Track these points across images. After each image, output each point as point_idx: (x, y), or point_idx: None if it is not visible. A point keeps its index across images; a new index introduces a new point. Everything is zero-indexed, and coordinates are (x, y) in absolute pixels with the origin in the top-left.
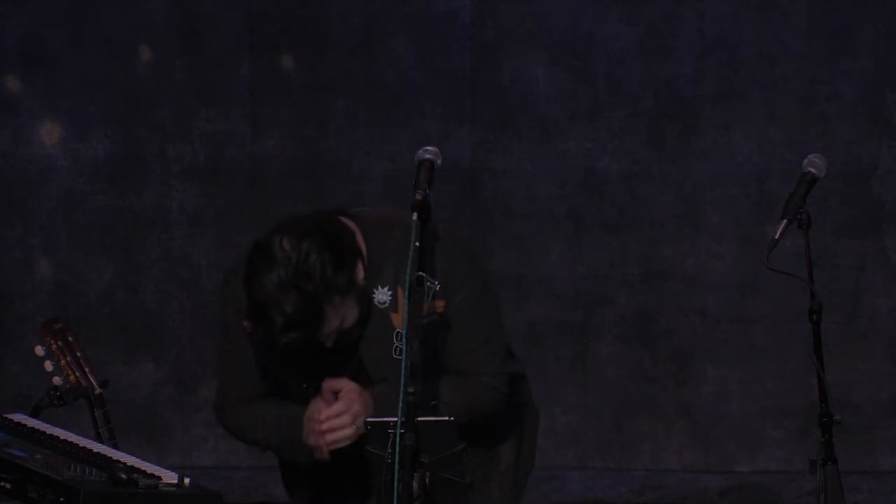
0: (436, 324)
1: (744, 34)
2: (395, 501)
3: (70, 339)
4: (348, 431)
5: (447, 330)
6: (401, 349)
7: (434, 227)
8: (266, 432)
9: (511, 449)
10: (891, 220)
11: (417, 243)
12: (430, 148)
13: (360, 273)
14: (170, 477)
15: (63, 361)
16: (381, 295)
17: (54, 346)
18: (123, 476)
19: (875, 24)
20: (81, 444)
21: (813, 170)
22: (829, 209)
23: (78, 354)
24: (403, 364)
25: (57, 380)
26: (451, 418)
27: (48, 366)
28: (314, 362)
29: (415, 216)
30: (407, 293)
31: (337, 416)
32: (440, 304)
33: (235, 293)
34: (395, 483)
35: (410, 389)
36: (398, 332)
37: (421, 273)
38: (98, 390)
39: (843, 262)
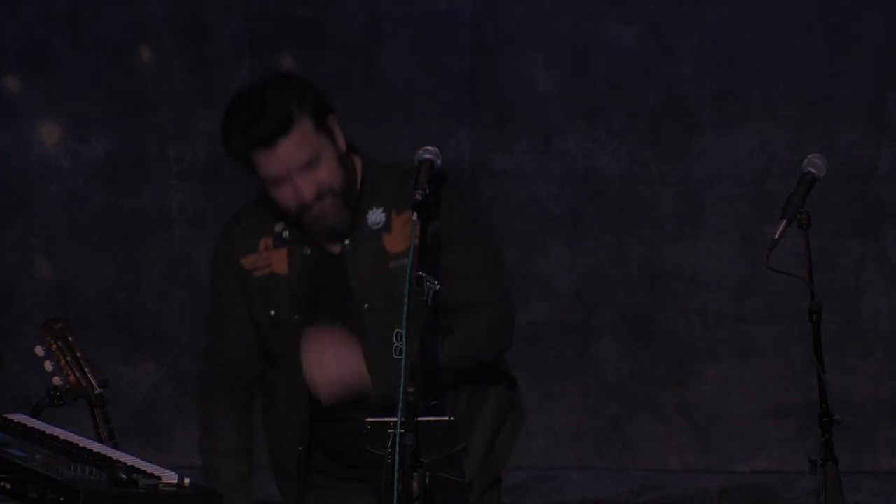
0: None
1: (744, 34)
2: (395, 501)
3: (70, 339)
4: None
5: (443, 268)
6: (401, 349)
7: (374, 158)
8: (206, 461)
9: (483, 437)
10: (891, 220)
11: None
12: (430, 148)
13: (339, 133)
14: (170, 477)
15: (63, 361)
16: (375, 215)
17: (54, 346)
18: (123, 476)
19: (875, 24)
20: (81, 444)
21: (813, 170)
22: (829, 209)
23: (78, 354)
24: (403, 364)
25: (57, 380)
26: (451, 418)
27: (48, 366)
28: (305, 289)
29: (415, 216)
30: (407, 293)
31: None
32: (431, 226)
33: (228, 233)
34: (395, 483)
35: (410, 389)
36: (391, 255)
37: (421, 273)
38: (98, 390)
39: (843, 262)
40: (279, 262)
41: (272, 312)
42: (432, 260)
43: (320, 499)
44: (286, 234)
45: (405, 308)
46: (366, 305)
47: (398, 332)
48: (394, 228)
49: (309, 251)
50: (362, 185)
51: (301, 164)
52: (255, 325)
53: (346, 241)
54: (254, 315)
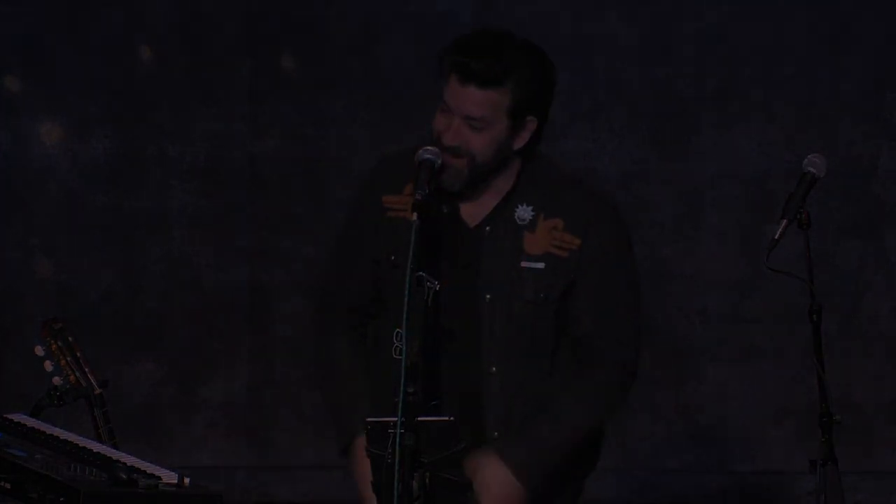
0: (559, 267)
1: (744, 34)
2: (395, 501)
3: (70, 339)
4: None
5: (572, 282)
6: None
7: (547, 158)
8: (323, 386)
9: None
10: (891, 220)
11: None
12: (430, 148)
13: (525, 136)
14: (170, 477)
15: (63, 361)
16: (523, 212)
17: (54, 346)
18: (123, 476)
19: (875, 24)
20: (81, 444)
21: (813, 170)
22: (829, 209)
23: (78, 354)
24: (403, 364)
25: (57, 380)
26: (451, 418)
27: (48, 366)
28: (432, 245)
29: (415, 216)
30: (407, 293)
31: None
32: (573, 241)
33: (379, 170)
34: (395, 483)
35: (410, 390)
36: (527, 255)
37: (421, 273)
38: (98, 390)
39: (843, 262)
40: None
41: (392, 257)
42: (568, 278)
43: None
44: (421, 195)
45: (405, 308)
46: (487, 296)
47: (398, 332)
48: (538, 230)
49: (446, 210)
50: (518, 180)
51: (468, 116)
52: (376, 262)
53: (487, 228)
54: (377, 251)
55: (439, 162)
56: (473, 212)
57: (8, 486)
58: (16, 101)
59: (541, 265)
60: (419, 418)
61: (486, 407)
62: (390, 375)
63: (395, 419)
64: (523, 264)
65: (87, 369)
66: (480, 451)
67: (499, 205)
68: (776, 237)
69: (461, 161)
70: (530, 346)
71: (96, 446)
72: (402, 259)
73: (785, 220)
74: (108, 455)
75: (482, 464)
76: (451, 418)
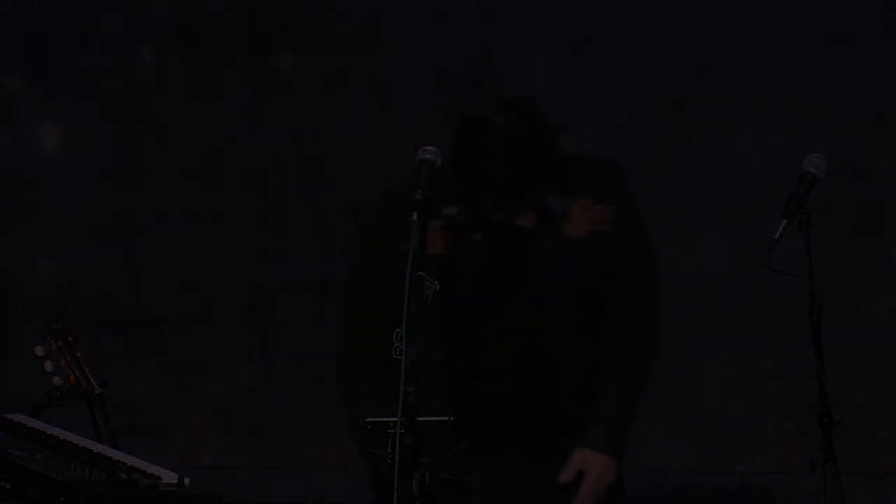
0: (604, 240)
1: (744, 34)
2: (395, 501)
3: (70, 339)
4: None
5: (602, 252)
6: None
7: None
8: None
9: None
10: (891, 221)
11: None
12: (430, 148)
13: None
14: (170, 477)
15: (63, 361)
16: (554, 203)
17: (54, 346)
18: (123, 476)
19: (875, 24)
20: (81, 444)
21: (813, 170)
22: (829, 209)
23: (78, 355)
24: (403, 364)
25: (57, 380)
26: (451, 418)
27: (48, 366)
28: (477, 270)
29: (415, 216)
30: (406, 293)
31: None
32: (608, 210)
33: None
34: (395, 483)
35: (410, 389)
36: (567, 243)
37: (421, 273)
38: (98, 390)
39: (844, 262)
40: (435, 243)
41: (438, 287)
42: (598, 243)
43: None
44: (458, 217)
45: (405, 308)
46: (545, 288)
47: (398, 332)
48: (573, 213)
49: (479, 238)
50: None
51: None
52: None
53: (523, 227)
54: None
55: (439, 162)
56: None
57: (8, 486)
58: (16, 101)
59: (588, 245)
60: (419, 418)
61: (560, 395)
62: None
63: (395, 419)
64: (569, 250)
65: (87, 369)
66: (577, 452)
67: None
68: (776, 237)
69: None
70: (589, 323)
71: (96, 446)
72: (444, 288)
73: (785, 220)
74: (108, 455)
75: (584, 461)
76: (451, 418)
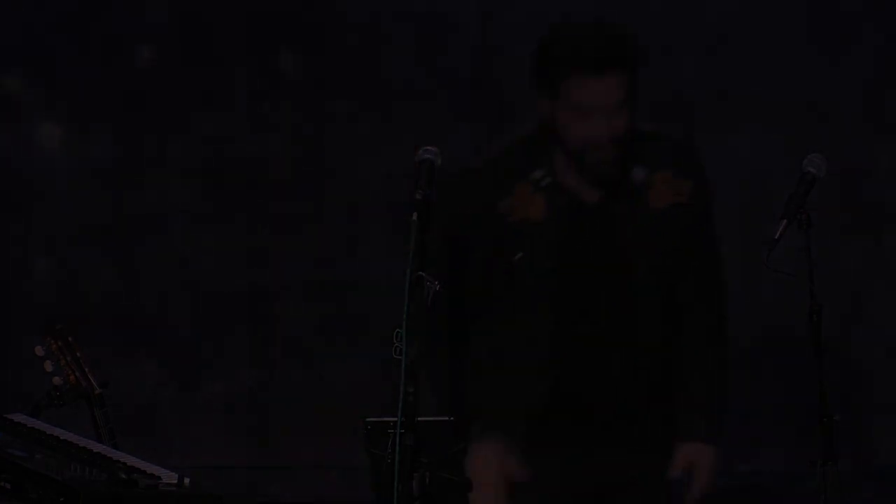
0: (685, 214)
1: (744, 34)
2: (395, 501)
3: (70, 339)
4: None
5: (681, 227)
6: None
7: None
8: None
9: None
10: (891, 221)
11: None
12: (430, 148)
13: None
14: (170, 477)
15: (63, 361)
16: (638, 172)
17: (54, 346)
18: (123, 476)
19: (875, 24)
20: (81, 444)
21: (813, 170)
22: (829, 209)
23: (78, 355)
24: (403, 364)
25: (57, 380)
26: (451, 418)
27: (48, 366)
28: (564, 237)
29: (415, 216)
30: (407, 293)
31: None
32: (686, 184)
33: (481, 177)
34: (395, 483)
35: (411, 389)
36: (651, 213)
37: (421, 273)
38: (98, 390)
39: (844, 262)
40: (535, 208)
41: (522, 256)
42: (678, 217)
43: (554, 468)
44: (546, 180)
45: (405, 308)
46: (631, 259)
47: (398, 331)
48: (655, 184)
49: (567, 200)
50: (628, 144)
51: (614, 104)
52: (489, 268)
53: (609, 195)
54: (498, 256)
55: (439, 162)
56: (592, 188)
57: (8, 486)
58: (16, 101)
59: (670, 216)
60: (419, 418)
61: (644, 377)
62: (517, 381)
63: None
64: (654, 220)
65: (87, 369)
66: (683, 446)
67: (619, 170)
68: (776, 237)
69: (616, 148)
70: (668, 301)
71: (96, 446)
72: (538, 259)
73: (785, 220)
74: (108, 455)
75: (692, 454)
76: (451, 418)
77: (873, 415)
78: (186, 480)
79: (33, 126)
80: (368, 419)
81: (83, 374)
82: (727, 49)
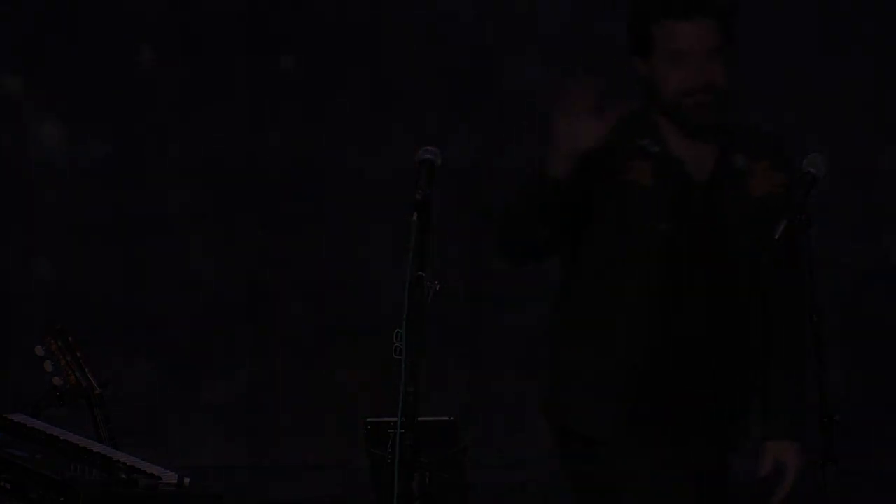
0: (779, 205)
1: (745, 34)
2: (395, 501)
3: (70, 339)
4: None
5: (776, 217)
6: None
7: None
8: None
9: None
10: (891, 221)
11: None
12: (430, 148)
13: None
14: (170, 477)
15: (63, 362)
16: (740, 160)
17: (54, 346)
18: (123, 476)
19: (876, 24)
20: (81, 444)
21: (813, 170)
22: (829, 209)
23: (78, 355)
24: (403, 364)
25: (57, 380)
26: (451, 418)
27: (48, 366)
28: (672, 206)
29: (415, 216)
30: (407, 293)
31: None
32: (782, 177)
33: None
34: (395, 483)
35: (411, 389)
36: (751, 200)
37: (421, 273)
38: (98, 391)
39: (843, 262)
40: (643, 173)
41: (636, 219)
42: (773, 207)
43: (638, 449)
44: (654, 148)
45: (405, 308)
46: (733, 243)
47: (398, 331)
48: (756, 173)
49: (675, 171)
50: (729, 133)
51: (707, 49)
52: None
53: (713, 178)
54: (613, 216)
55: (439, 162)
56: (698, 166)
57: (8, 486)
58: (16, 101)
59: (767, 205)
60: (419, 418)
61: (751, 353)
62: (617, 334)
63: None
64: (755, 208)
65: (87, 369)
66: (771, 444)
67: (719, 157)
68: (776, 237)
69: (712, 97)
70: (759, 287)
71: (96, 446)
72: (647, 221)
73: (785, 220)
74: (108, 455)
75: (781, 452)
76: (451, 418)
77: (873, 415)
78: (186, 480)
79: (33, 126)
80: (368, 419)
81: (83, 374)
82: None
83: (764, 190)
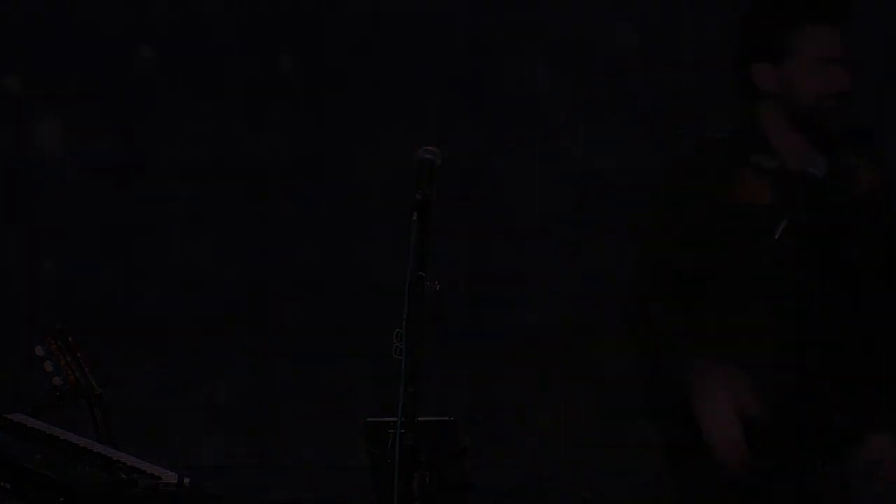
0: (878, 201)
1: None
2: (395, 501)
3: (70, 339)
4: None
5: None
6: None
7: None
8: None
9: None
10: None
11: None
12: (430, 148)
13: None
14: (170, 477)
15: (63, 362)
16: (851, 161)
17: (54, 346)
18: (123, 476)
19: (876, 24)
20: (81, 444)
21: (813, 170)
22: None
23: (78, 355)
24: (403, 364)
25: (57, 380)
26: (451, 418)
27: (48, 366)
28: (797, 222)
29: (415, 216)
30: (407, 293)
31: None
32: (875, 173)
33: (696, 167)
34: (395, 483)
35: (411, 389)
36: (857, 195)
37: (421, 273)
38: (98, 391)
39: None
40: (761, 192)
41: (758, 240)
42: (873, 204)
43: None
44: (769, 164)
45: (405, 308)
46: (843, 241)
47: (398, 331)
48: (859, 168)
49: (793, 183)
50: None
51: (841, 56)
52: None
53: (831, 183)
54: (733, 243)
55: (439, 162)
56: (816, 173)
57: (8, 486)
58: (16, 101)
59: (869, 201)
60: (419, 418)
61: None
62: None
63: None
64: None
65: (87, 369)
66: (878, 437)
67: (832, 160)
68: (776, 237)
69: (839, 105)
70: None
71: (96, 446)
72: (773, 241)
73: (785, 220)
74: (108, 455)
75: (880, 445)
76: (451, 418)
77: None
78: (186, 480)
79: (33, 126)
80: (368, 419)
81: (83, 374)
82: (727, 49)
83: (866, 185)
